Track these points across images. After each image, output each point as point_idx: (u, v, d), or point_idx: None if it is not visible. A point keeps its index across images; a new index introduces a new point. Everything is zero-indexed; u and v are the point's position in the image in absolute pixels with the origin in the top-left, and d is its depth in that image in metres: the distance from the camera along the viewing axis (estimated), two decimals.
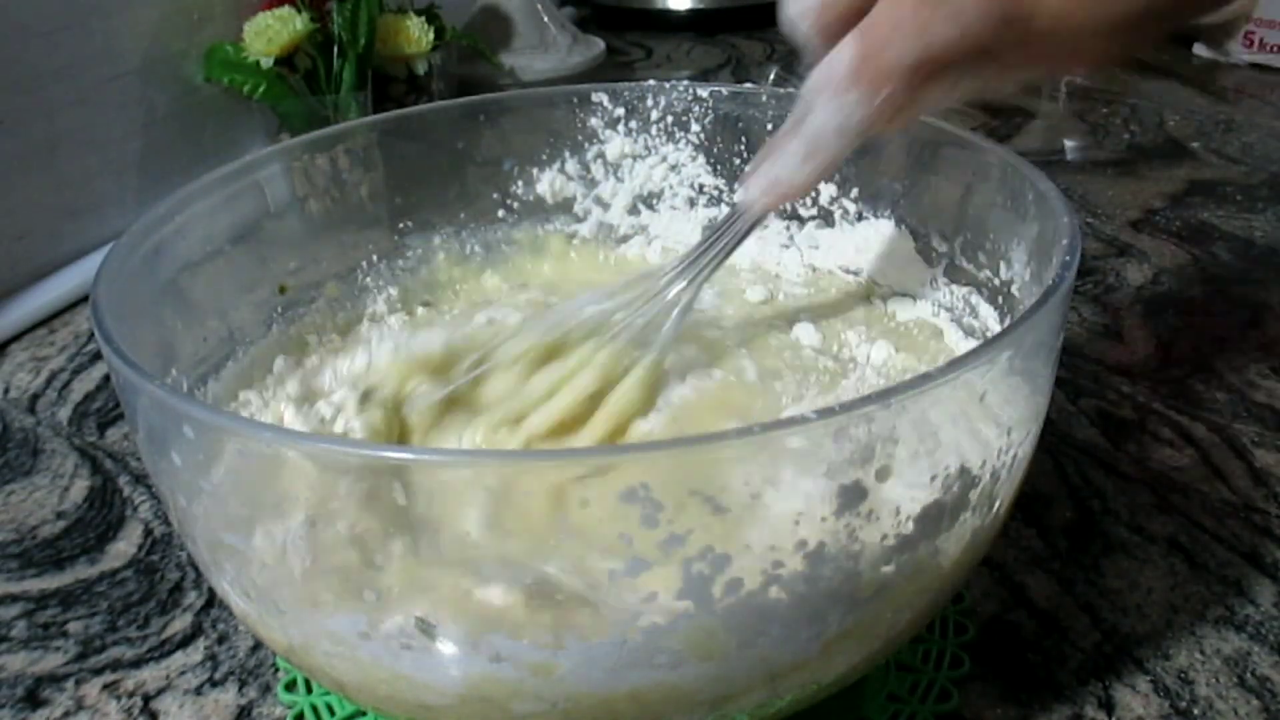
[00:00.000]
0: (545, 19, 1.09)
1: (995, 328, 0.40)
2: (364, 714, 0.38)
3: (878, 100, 0.30)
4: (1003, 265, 0.39)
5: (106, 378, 0.60)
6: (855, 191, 0.46)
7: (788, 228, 0.49)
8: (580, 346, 0.37)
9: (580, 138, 0.49)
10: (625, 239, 0.51)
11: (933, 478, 0.27)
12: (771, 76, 1.14)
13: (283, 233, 0.44)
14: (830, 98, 0.31)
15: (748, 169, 0.35)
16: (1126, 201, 0.77)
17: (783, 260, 0.49)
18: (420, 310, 0.48)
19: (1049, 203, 0.34)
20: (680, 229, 0.51)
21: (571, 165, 0.50)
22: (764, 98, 0.47)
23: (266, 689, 0.39)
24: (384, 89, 0.87)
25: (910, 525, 0.27)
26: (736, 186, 0.34)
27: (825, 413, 0.24)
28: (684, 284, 0.37)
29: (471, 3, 1.08)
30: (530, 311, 0.43)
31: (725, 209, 0.50)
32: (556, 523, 0.25)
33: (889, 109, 0.31)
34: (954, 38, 0.29)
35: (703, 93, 0.48)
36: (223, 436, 0.26)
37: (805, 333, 0.43)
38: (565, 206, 0.51)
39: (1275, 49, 1.04)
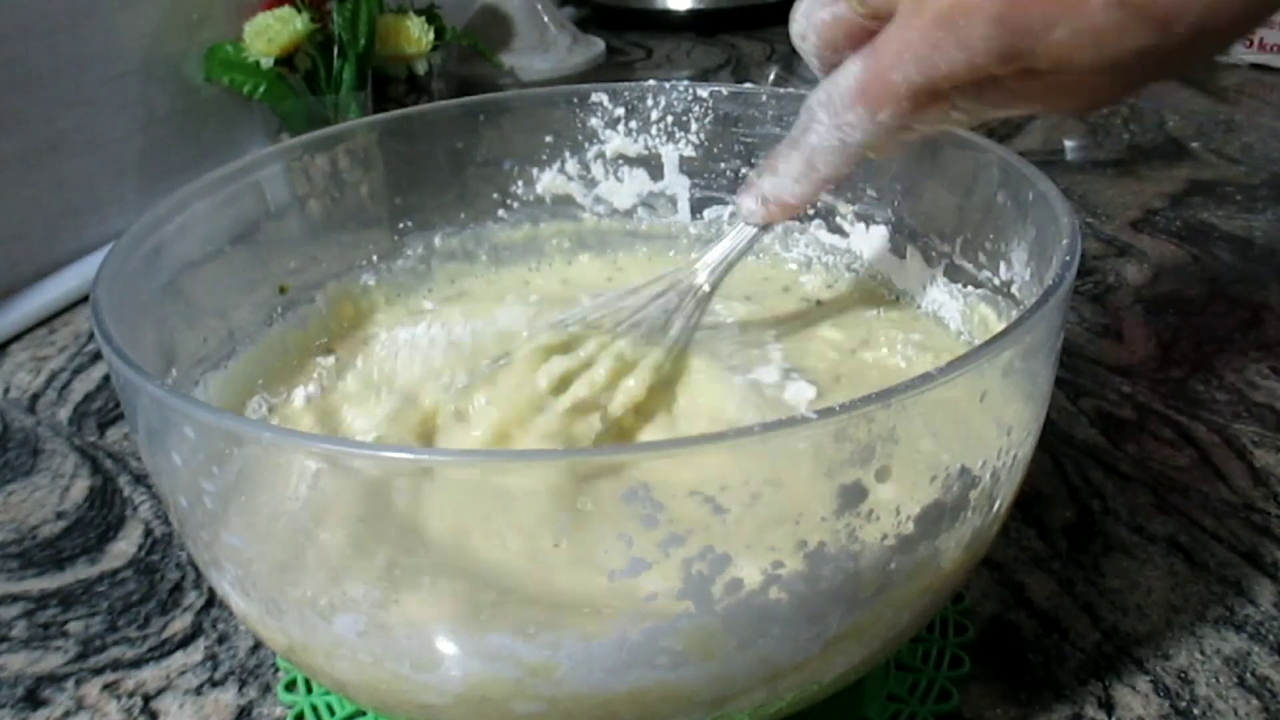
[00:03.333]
0: (545, 19, 1.09)
1: (995, 328, 0.40)
2: (364, 714, 0.38)
3: (878, 120, 0.31)
4: (1003, 265, 0.39)
5: (106, 378, 0.60)
6: (855, 192, 0.46)
7: (788, 229, 0.49)
8: (590, 342, 0.37)
9: (580, 138, 0.49)
10: (625, 239, 0.51)
11: (933, 478, 0.27)
12: (771, 76, 1.14)
13: (283, 233, 0.44)
14: (831, 115, 0.31)
15: (747, 178, 0.35)
16: (1126, 201, 0.78)
17: (782, 261, 0.49)
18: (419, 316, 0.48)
19: (1049, 203, 0.34)
20: (680, 229, 0.51)
21: (571, 165, 0.50)
22: (764, 98, 0.47)
23: (266, 689, 0.39)
24: (384, 89, 0.87)
25: (910, 525, 0.27)
26: (734, 198, 0.36)
27: (825, 413, 0.24)
28: (689, 292, 0.38)
29: (471, 3, 1.08)
30: (537, 311, 0.43)
31: (725, 209, 0.50)
32: (556, 523, 0.25)
33: (888, 130, 0.31)
34: (960, 65, 0.28)
35: (703, 93, 0.48)
36: (223, 437, 0.26)
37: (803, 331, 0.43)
38: (565, 206, 0.51)
39: (1275, 49, 1.04)
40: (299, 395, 0.40)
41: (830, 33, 0.32)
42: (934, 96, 0.30)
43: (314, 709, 0.38)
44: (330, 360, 0.43)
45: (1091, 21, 0.26)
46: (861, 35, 0.31)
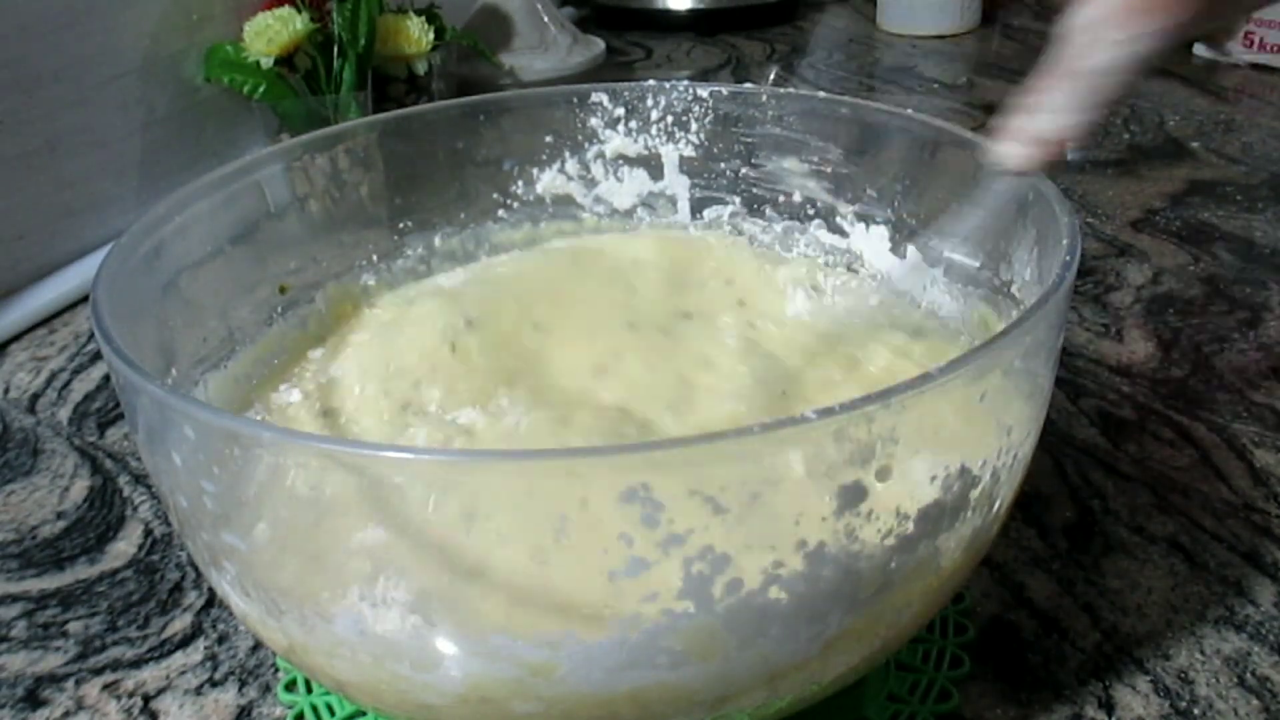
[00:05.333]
0: (545, 19, 1.09)
1: (995, 328, 0.40)
2: (364, 714, 0.38)
3: (1171, 21, 0.28)
4: (1003, 265, 0.39)
5: (106, 378, 0.60)
6: (855, 192, 0.46)
7: (788, 229, 0.49)
8: None
9: (580, 138, 0.49)
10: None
11: (933, 478, 0.27)
12: (771, 76, 1.14)
13: (283, 233, 0.44)
14: (1121, 29, 0.28)
15: (1003, 124, 0.32)
16: (1126, 201, 0.77)
17: (783, 260, 0.49)
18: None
19: (1049, 203, 0.34)
20: (679, 229, 0.51)
21: (571, 165, 0.50)
22: (764, 98, 0.47)
23: (266, 689, 0.39)
24: (384, 89, 0.87)
25: (910, 525, 0.27)
26: (985, 149, 0.33)
27: (825, 413, 0.24)
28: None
29: (471, 3, 1.08)
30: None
31: (725, 209, 0.50)
32: (555, 523, 0.25)
33: (1180, 32, 0.28)
34: None
35: (703, 93, 0.48)
36: (223, 437, 0.26)
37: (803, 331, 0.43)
38: (565, 206, 0.51)
39: (1275, 49, 1.04)
40: (295, 393, 0.40)
41: None
42: None
43: (314, 709, 0.38)
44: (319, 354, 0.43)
45: None
46: None
